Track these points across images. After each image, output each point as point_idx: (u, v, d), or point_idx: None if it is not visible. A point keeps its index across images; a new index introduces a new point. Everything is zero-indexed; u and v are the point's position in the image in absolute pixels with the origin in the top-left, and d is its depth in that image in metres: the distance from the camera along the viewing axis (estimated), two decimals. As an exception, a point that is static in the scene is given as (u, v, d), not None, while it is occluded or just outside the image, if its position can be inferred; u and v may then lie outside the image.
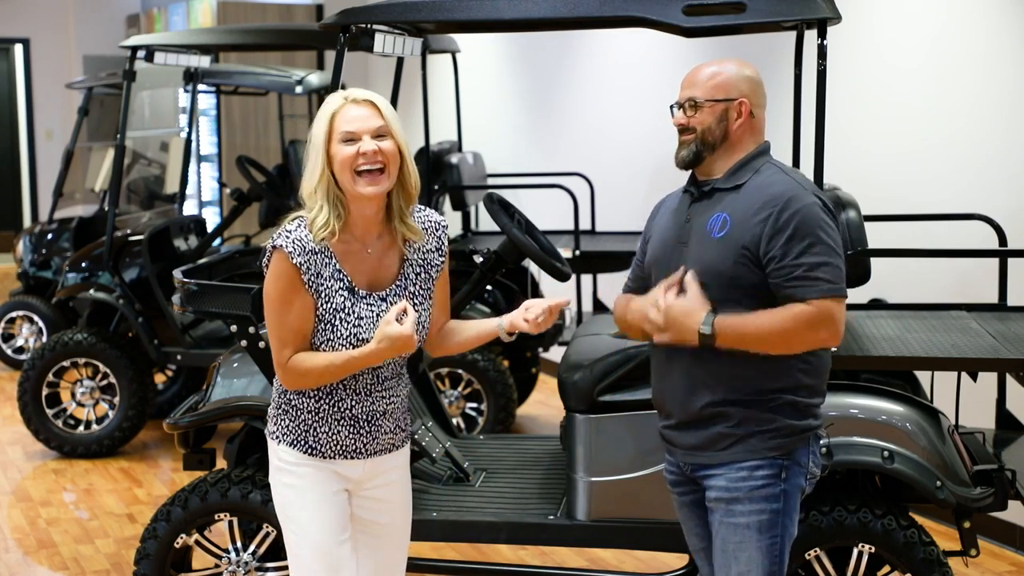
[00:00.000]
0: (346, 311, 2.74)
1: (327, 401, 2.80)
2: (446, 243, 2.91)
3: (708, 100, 2.85)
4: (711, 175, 2.89)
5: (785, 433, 2.80)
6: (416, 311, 2.79)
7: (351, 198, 2.73)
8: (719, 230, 2.80)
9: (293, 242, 2.72)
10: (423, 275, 2.85)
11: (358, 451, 2.84)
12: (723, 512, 2.84)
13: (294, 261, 2.71)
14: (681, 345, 2.77)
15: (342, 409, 2.80)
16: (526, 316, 2.80)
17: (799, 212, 2.72)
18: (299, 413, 2.82)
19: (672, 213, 2.98)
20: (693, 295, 2.73)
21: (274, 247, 2.74)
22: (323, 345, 2.75)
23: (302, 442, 2.82)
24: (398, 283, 2.81)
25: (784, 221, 2.72)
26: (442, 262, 2.89)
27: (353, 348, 2.73)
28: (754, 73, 2.89)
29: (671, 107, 2.93)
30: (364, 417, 2.82)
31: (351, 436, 2.82)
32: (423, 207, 2.90)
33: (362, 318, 2.75)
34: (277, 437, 2.86)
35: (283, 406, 2.85)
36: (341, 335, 2.73)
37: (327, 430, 2.81)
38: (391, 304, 2.78)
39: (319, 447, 2.81)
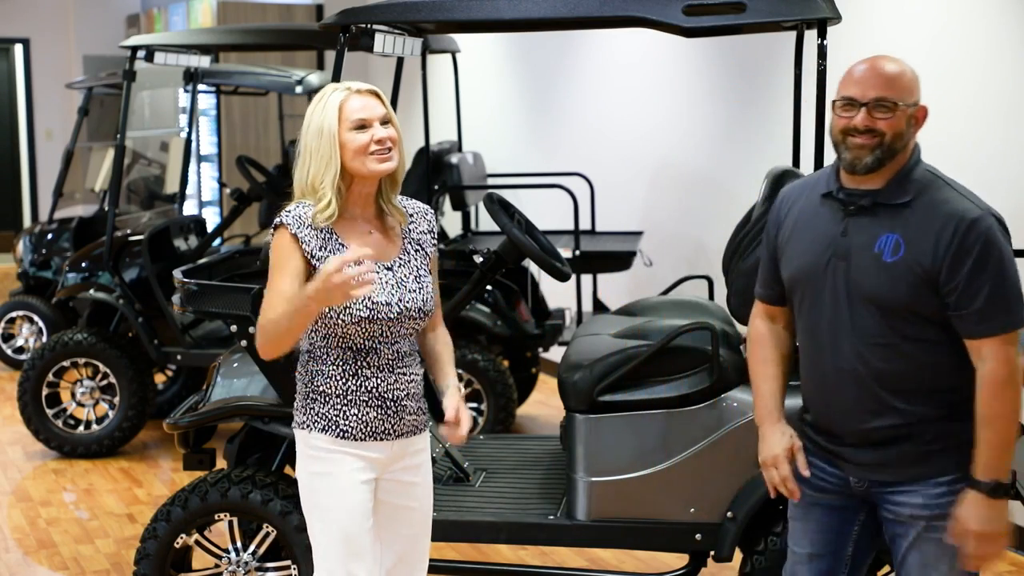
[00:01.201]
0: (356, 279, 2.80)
1: (353, 382, 2.87)
2: (435, 227, 3.01)
3: (906, 104, 2.62)
4: (864, 183, 2.68)
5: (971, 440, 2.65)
6: (420, 282, 2.90)
7: (356, 179, 2.84)
8: (891, 253, 2.61)
9: (295, 218, 2.83)
10: (420, 253, 2.96)
11: (386, 432, 2.90)
12: (923, 528, 2.70)
13: (292, 231, 2.81)
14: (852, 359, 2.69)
15: (368, 388, 2.87)
16: (449, 432, 2.93)
17: (981, 237, 2.56)
18: (328, 399, 2.89)
19: (814, 220, 2.76)
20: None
21: (277, 225, 2.85)
22: (341, 315, 2.81)
23: (334, 427, 2.88)
24: (401, 257, 2.91)
25: (968, 246, 2.55)
26: (435, 245, 3.00)
27: (369, 312, 2.81)
28: None
29: (838, 103, 2.66)
30: (390, 397, 2.90)
31: (379, 417, 2.89)
32: (407, 197, 3.02)
33: (372, 283, 2.82)
34: (307, 426, 2.92)
35: (311, 395, 2.91)
36: (355, 301, 2.80)
37: (356, 412, 2.88)
38: (396, 272, 2.87)
39: (350, 430, 2.88)
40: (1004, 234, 2.62)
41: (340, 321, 2.82)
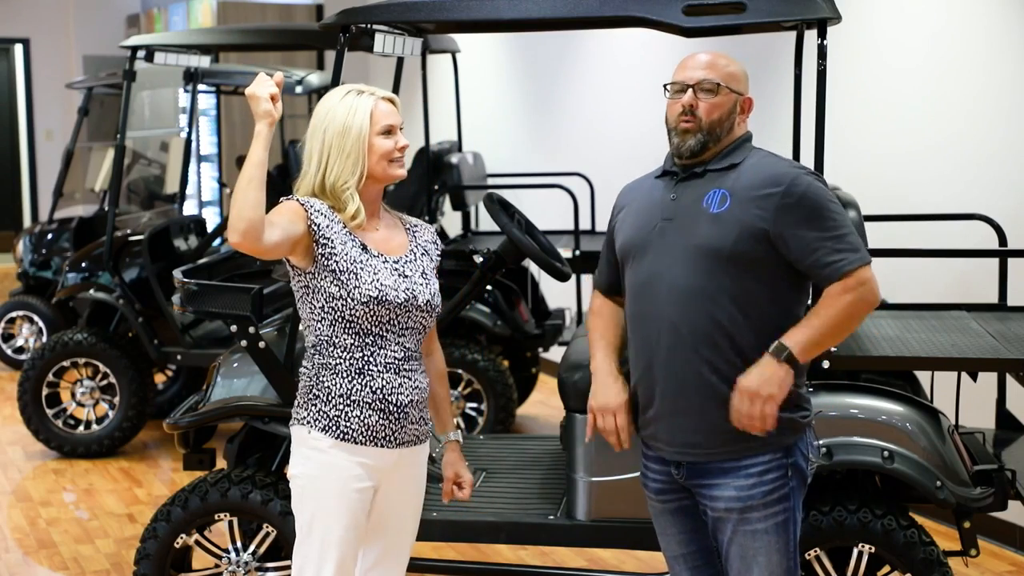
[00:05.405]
0: (364, 262, 2.84)
1: (359, 380, 2.84)
2: (438, 240, 3.05)
3: (728, 88, 2.80)
4: (695, 161, 2.84)
5: (782, 427, 2.75)
6: (426, 279, 2.93)
7: (366, 184, 2.86)
8: (718, 205, 2.74)
9: (308, 201, 2.82)
10: (426, 257, 2.99)
11: (387, 439, 2.87)
12: (736, 521, 2.79)
13: (302, 203, 2.80)
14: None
15: (373, 389, 2.84)
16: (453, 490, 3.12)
17: (807, 189, 2.71)
18: (331, 397, 2.86)
19: (647, 197, 2.91)
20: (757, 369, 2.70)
21: (286, 198, 2.84)
22: (348, 297, 2.80)
23: (334, 427, 2.85)
24: (407, 256, 2.93)
25: (795, 199, 2.69)
26: (438, 255, 3.03)
27: (379, 292, 2.81)
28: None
29: (667, 86, 2.85)
30: (394, 402, 2.86)
31: (381, 422, 2.86)
32: (403, 215, 3.08)
33: (379, 271, 2.85)
34: (308, 422, 2.88)
35: (314, 390, 2.88)
36: (365, 281, 2.81)
37: (358, 414, 2.84)
38: (403, 267, 2.89)
39: (351, 432, 2.84)
40: (827, 187, 2.76)
41: (349, 301, 2.80)
